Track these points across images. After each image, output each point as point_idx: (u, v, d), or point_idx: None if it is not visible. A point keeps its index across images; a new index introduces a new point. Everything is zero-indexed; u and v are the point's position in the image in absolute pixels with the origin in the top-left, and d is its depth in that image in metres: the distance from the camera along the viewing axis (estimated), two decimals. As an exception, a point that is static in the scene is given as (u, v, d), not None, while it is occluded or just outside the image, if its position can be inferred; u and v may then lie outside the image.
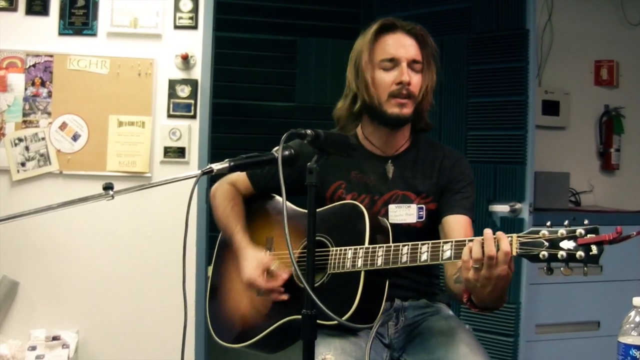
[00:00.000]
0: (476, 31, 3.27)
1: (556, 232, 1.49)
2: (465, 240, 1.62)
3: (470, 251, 1.56)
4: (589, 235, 1.45)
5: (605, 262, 1.46)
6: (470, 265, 1.57)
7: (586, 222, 1.47)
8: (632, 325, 1.39)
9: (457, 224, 1.95)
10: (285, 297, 1.92)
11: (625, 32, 3.95)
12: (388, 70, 1.96)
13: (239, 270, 2.01)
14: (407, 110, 1.97)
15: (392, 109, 1.96)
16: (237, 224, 2.09)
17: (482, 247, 1.55)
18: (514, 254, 1.53)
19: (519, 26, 3.13)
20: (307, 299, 1.50)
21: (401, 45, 1.97)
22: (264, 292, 1.95)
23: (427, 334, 1.91)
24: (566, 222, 1.49)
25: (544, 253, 1.49)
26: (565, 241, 1.47)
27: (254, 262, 1.97)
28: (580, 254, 1.45)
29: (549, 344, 3.32)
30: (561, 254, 1.47)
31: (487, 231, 1.56)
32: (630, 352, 1.36)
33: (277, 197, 2.13)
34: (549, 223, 1.52)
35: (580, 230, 1.46)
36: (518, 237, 1.54)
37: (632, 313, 1.40)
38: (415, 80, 1.97)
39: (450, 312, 2.06)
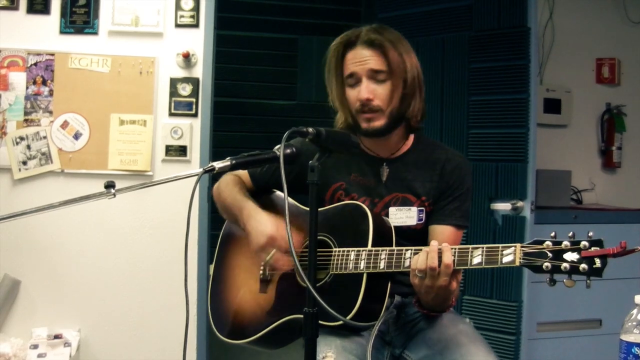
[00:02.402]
0: (477, 29, 3.27)
1: (560, 243, 1.49)
2: (469, 248, 1.64)
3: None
4: (593, 248, 1.44)
5: (608, 260, 1.45)
6: (416, 274, 1.66)
7: (590, 234, 1.47)
8: (635, 323, 1.38)
9: (441, 235, 1.95)
10: (290, 265, 1.88)
11: (626, 30, 3.94)
12: (352, 86, 1.96)
13: (242, 254, 1.99)
14: (378, 123, 1.95)
15: (362, 123, 1.96)
16: (246, 197, 2.05)
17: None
18: (517, 264, 1.54)
19: (520, 24, 3.13)
20: (309, 297, 1.50)
21: (358, 59, 1.93)
22: (275, 259, 1.88)
23: (428, 329, 1.91)
24: (570, 233, 1.48)
25: (547, 264, 1.49)
26: (569, 253, 1.46)
27: (274, 223, 1.90)
28: (583, 266, 1.44)
29: (550, 342, 3.32)
30: (564, 266, 1.46)
31: (433, 243, 1.65)
32: (633, 350, 1.36)
33: (279, 193, 2.13)
34: (553, 234, 1.51)
35: (584, 243, 1.45)
36: (522, 247, 1.54)
37: (635, 311, 1.40)
38: (380, 91, 1.92)
39: (451, 308, 2.06)
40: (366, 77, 1.92)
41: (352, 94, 1.95)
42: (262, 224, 1.90)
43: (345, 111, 1.99)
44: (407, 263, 1.72)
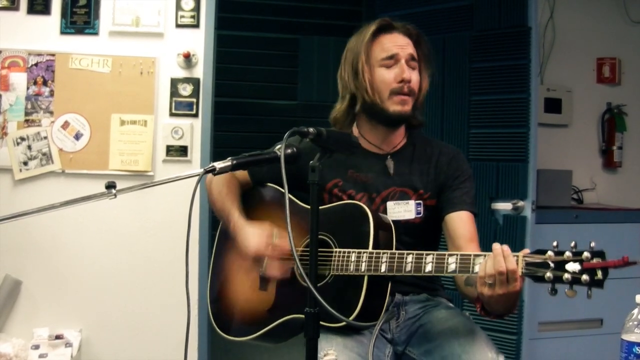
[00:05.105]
0: (478, 29, 3.27)
1: (562, 253, 1.48)
2: (471, 255, 1.64)
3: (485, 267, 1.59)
4: (595, 260, 1.44)
5: (609, 271, 1.45)
6: (485, 281, 1.59)
7: (593, 244, 1.47)
8: (636, 323, 1.38)
9: (460, 221, 1.96)
10: (290, 264, 1.91)
11: (627, 29, 3.94)
12: (389, 67, 1.99)
13: (239, 254, 1.99)
14: (408, 107, 2.01)
15: (394, 106, 1.98)
16: (232, 204, 2.06)
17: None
18: (519, 274, 1.54)
19: (521, 23, 3.13)
20: (310, 297, 1.50)
21: (399, 43, 2.01)
22: (269, 267, 1.92)
23: (428, 324, 1.92)
24: (573, 243, 1.48)
25: (549, 275, 1.49)
26: (571, 264, 1.46)
27: (256, 236, 1.93)
28: (585, 277, 1.44)
29: (552, 341, 3.32)
30: (566, 276, 1.47)
31: (496, 246, 1.58)
32: (634, 350, 1.36)
33: (278, 189, 2.11)
34: (555, 243, 1.51)
35: (586, 254, 1.45)
36: (524, 257, 1.54)
37: (635, 310, 1.40)
38: (414, 78, 2.01)
39: (451, 305, 2.08)
40: (405, 60, 1.99)
41: (389, 74, 1.99)
42: (247, 239, 1.94)
43: (369, 95, 1.99)
44: (451, 268, 1.66)
